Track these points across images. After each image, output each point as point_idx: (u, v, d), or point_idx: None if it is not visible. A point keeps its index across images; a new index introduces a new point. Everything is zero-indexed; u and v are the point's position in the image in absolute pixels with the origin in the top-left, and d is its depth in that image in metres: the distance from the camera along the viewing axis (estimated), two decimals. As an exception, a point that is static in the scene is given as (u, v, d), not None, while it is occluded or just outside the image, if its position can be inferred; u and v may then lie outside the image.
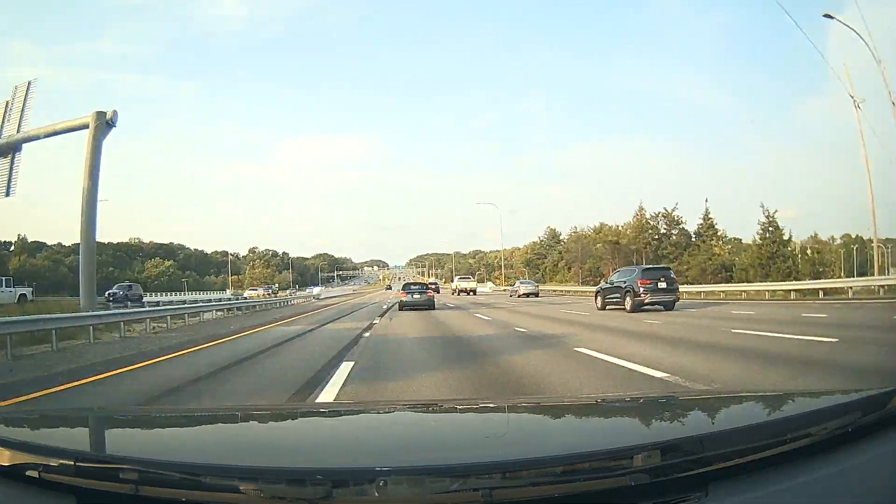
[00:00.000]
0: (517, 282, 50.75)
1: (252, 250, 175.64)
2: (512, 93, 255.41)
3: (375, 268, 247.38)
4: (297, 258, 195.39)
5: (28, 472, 1.19)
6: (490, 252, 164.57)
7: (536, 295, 41.64)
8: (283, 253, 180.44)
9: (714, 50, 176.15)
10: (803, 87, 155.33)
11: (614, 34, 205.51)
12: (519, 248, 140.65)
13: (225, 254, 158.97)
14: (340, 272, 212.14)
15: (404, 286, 26.25)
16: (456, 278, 66.22)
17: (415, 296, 24.14)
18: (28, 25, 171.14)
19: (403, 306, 23.28)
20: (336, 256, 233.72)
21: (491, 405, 2.46)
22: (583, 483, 1.14)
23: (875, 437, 1.37)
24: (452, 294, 54.64)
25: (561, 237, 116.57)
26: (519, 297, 40.63)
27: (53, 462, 1.19)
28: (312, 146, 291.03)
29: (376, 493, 1.06)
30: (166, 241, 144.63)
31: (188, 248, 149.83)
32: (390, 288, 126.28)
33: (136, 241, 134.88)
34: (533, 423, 1.93)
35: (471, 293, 53.21)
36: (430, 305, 23.82)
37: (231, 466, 1.20)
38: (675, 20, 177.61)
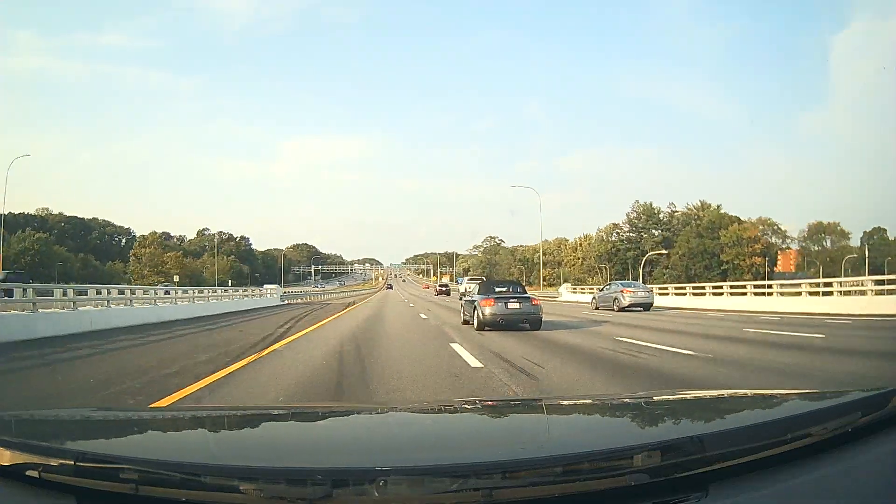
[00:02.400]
0: (613, 284, 28.41)
1: (201, 233, 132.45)
2: (511, 97, 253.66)
3: (368, 265, 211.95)
4: (273, 249, 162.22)
5: (28, 472, 1.19)
6: (527, 246, 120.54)
7: (648, 307, 24.09)
8: (241, 238, 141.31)
9: (715, 58, 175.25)
10: (805, 97, 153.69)
11: (616, 42, 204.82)
12: (567, 241, 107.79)
13: (167, 236, 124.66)
14: (322, 267, 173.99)
15: (484, 287, 15.58)
16: (464, 279, 55.30)
17: (510, 304, 13.63)
18: (32, 15, 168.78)
19: (485, 324, 13.45)
20: (323, 252, 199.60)
21: (491, 405, 2.46)
22: (583, 483, 1.14)
23: (875, 437, 1.37)
24: (461, 299, 43.36)
25: (660, 215, 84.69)
26: (620, 310, 23.31)
27: (53, 462, 1.19)
28: (309, 145, 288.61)
29: (376, 493, 1.06)
30: (90, 217, 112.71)
31: (114, 226, 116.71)
32: (391, 287, 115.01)
33: (44, 211, 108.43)
34: (533, 423, 1.93)
35: None
36: (534, 321, 13.73)
37: (231, 466, 1.20)
38: (677, 28, 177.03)
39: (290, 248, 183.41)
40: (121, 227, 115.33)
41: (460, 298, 48.99)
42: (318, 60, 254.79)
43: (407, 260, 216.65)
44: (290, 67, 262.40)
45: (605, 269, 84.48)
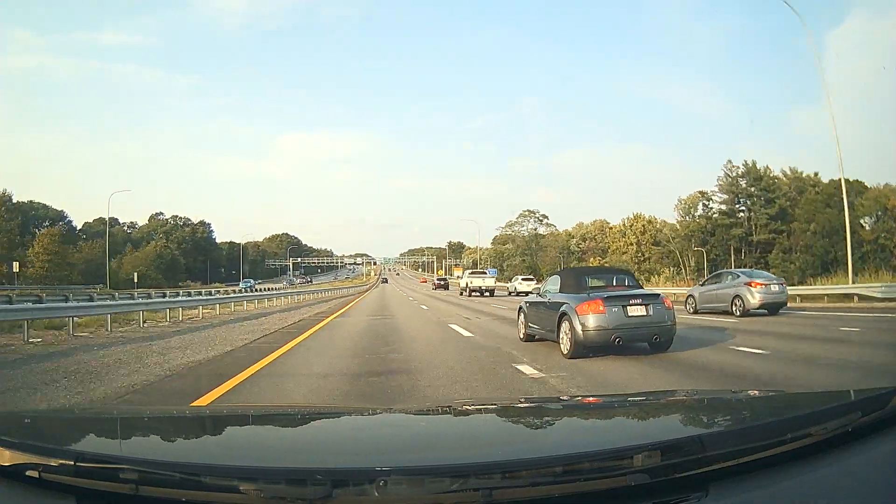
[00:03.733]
0: (728, 275, 18.70)
1: (153, 217, 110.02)
2: (508, 95, 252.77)
3: (360, 260, 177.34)
4: (250, 242, 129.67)
5: (28, 472, 1.19)
6: (562, 230, 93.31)
7: (777, 308, 16.76)
8: (199, 223, 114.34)
9: (712, 56, 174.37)
10: (801, 95, 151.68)
11: (613, 41, 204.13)
12: (610, 224, 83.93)
13: (114, 221, 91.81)
14: (304, 260, 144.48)
15: (570, 281, 9.20)
16: (466, 273, 45.74)
17: (633, 309, 8.02)
18: (29, 12, 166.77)
19: (589, 346, 7.85)
20: (307, 244, 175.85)
21: (491, 405, 2.46)
22: (583, 483, 1.14)
23: (875, 437, 1.37)
24: (461, 294, 39.89)
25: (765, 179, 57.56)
26: (744, 314, 16.08)
27: (53, 462, 1.19)
28: (304, 142, 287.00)
29: (376, 493, 1.06)
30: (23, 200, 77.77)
31: (48, 208, 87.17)
32: (386, 281, 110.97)
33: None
34: (533, 423, 1.93)
35: (486, 294, 37.77)
36: (666, 336, 8.20)
37: (231, 466, 1.20)
38: (674, 26, 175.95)
39: (267, 239, 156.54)
40: (54, 211, 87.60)
41: (461, 294, 41.44)
42: (315, 58, 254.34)
43: (402, 255, 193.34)
44: (287, 65, 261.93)
45: (701, 253, 58.49)
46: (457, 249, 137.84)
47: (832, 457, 1.31)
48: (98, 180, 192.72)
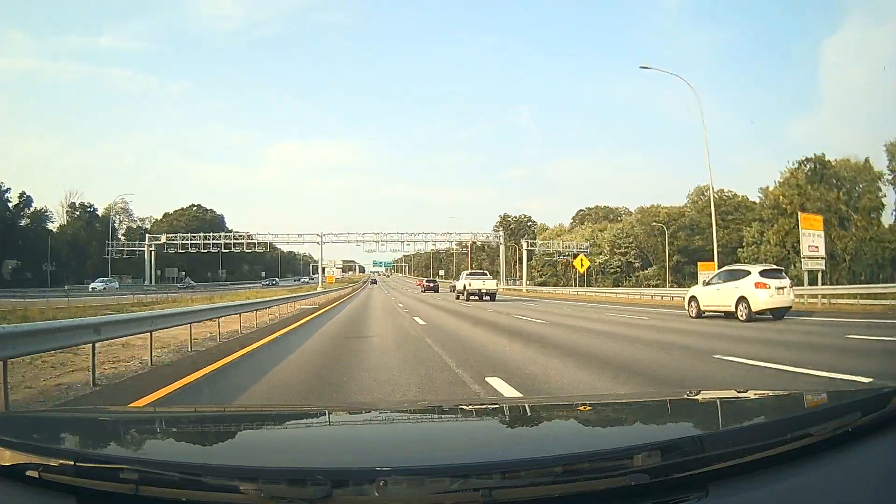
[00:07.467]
0: None
1: None
2: (502, 104, 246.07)
3: (341, 262, 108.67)
4: (81, 207, 67.62)
5: (28, 472, 1.19)
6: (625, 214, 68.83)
7: None
8: None
9: (709, 66, 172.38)
10: (796, 105, 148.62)
11: (608, 50, 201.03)
12: (664, 207, 59.59)
13: None
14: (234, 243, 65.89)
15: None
16: (464, 274, 40.12)
17: None
18: (26, 15, 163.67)
19: None
20: (303, 251, 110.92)
21: (491, 405, 2.46)
22: (583, 483, 1.14)
23: (875, 437, 1.37)
24: (458, 298, 35.47)
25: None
26: None
27: (53, 462, 1.19)
28: (295, 150, 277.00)
29: (376, 493, 1.06)
30: None
31: None
32: (375, 282, 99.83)
33: None
34: (533, 424, 1.93)
35: (487, 298, 33.25)
36: None
37: (231, 466, 1.20)
38: (671, 36, 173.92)
39: (165, 217, 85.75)
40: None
41: (457, 297, 36.41)
42: (307, 66, 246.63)
43: (396, 261, 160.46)
44: (279, 72, 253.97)
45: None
46: (516, 231, 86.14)
47: (832, 457, 1.31)
48: (95, 181, 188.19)
